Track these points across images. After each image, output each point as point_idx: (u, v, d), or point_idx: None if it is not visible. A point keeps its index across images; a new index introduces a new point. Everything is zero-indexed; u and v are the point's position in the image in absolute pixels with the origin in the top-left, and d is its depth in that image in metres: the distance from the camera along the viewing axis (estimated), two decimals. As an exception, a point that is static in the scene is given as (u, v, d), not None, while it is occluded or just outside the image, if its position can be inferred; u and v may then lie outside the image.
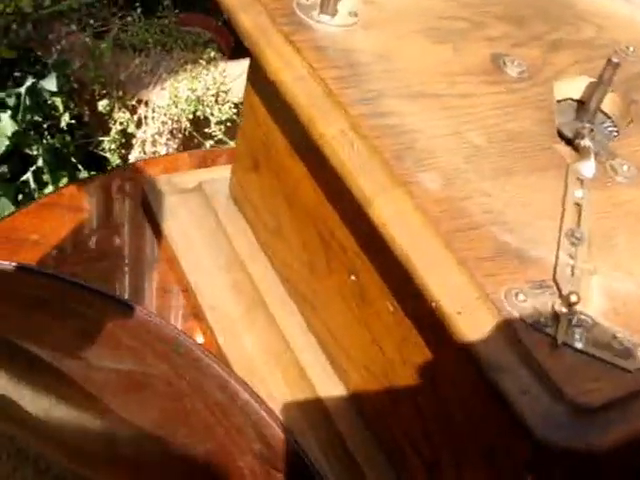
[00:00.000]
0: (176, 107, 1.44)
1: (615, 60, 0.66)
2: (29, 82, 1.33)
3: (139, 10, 1.53)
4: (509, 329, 0.50)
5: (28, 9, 1.42)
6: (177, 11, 1.58)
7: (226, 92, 1.47)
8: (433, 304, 0.52)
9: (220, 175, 0.91)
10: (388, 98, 0.64)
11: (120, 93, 1.45)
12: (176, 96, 1.44)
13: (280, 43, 0.67)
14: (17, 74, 1.39)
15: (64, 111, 1.40)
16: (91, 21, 1.51)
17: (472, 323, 0.51)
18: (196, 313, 0.82)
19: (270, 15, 0.69)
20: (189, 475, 0.64)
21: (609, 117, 0.71)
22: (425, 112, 0.63)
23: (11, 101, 1.32)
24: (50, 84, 1.36)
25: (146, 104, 1.48)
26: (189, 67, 1.47)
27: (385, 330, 0.65)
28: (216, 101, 1.46)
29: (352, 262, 0.68)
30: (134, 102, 1.47)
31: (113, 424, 0.64)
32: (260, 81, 0.77)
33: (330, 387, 0.74)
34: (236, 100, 1.47)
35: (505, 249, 0.54)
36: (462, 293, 0.52)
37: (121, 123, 1.48)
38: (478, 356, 0.49)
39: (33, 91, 1.34)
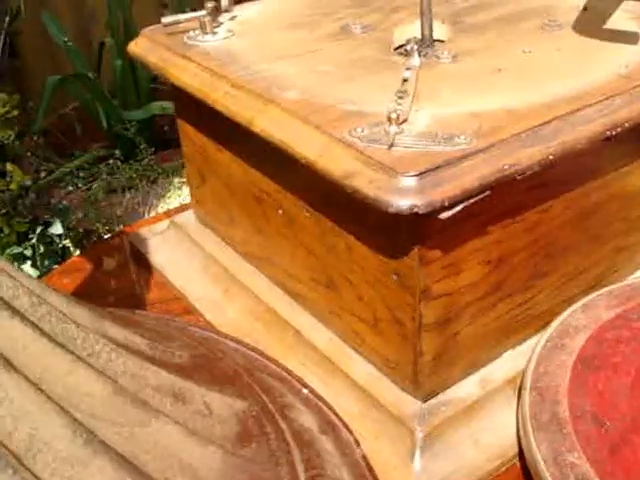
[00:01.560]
0: (171, 224, 1.69)
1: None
2: (38, 230, 1.60)
3: (120, 157, 1.82)
4: (353, 150, 0.71)
5: (28, 183, 1.71)
6: (154, 149, 1.87)
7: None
8: (303, 161, 0.74)
9: (186, 213, 1.15)
10: (258, 64, 0.88)
11: (121, 227, 1.71)
12: (167, 213, 1.69)
13: (178, 60, 0.92)
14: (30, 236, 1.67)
15: (74, 251, 1.66)
16: (83, 174, 1.80)
17: (328, 158, 0.72)
18: (187, 310, 1.03)
19: (167, 48, 0.95)
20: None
21: (442, 41, 0.95)
22: (286, 66, 0.87)
23: (28, 252, 1.58)
24: (56, 229, 1.63)
25: (145, 231, 1.73)
26: (173, 188, 1.74)
27: (310, 235, 0.86)
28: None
29: (276, 199, 0.90)
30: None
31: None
32: (182, 108, 1.02)
33: (295, 314, 0.94)
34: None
35: (349, 112, 0.76)
36: (318, 144, 0.73)
37: (127, 254, 1.72)
38: (335, 176, 0.71)
39: (44, 239, 1.61)
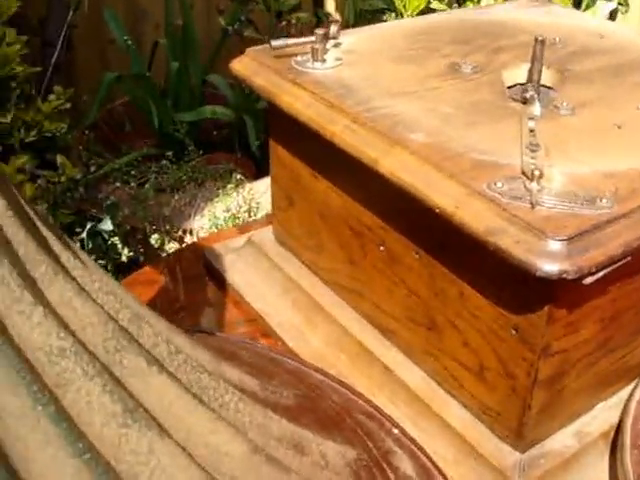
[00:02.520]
0: (216, 228, 1.62)
1: (540, 38, 0.83)
2: (88, 226, 1.53)
3: (170, 157, 1.75)
4: (494, 205, 0.64)
5: (78, 176, 1.63)
6: (201, 152, 1.80)
7: (257, 207, 1.66)
8: (437, 210, 0.67)
9: (264, 230, 1.07)
10: (375, 100, 0.81)
11: (167, 227, 1.64)
12: (215, 217, 1.62)
13: (289, 86, 0.85)
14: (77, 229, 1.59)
15: (122, 248, 1.59)
16: (132, 171, 1.73)
17: (467, 211, 0.65)
18: (265, 333, 0.96)
19: (276, 72, 0.88)
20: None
21: (550, 88, 0.88)
22: (405, 102, 0.80)
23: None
24: (106, 225, 1.56)
25: (190, 232, 1.66)
26: (220, 192, 1.67)
27: (416, 277, 0.79)
28: (249, 215, 1.64)
29: (378, 235, 0.83)
30: (180, 233, 1.65)
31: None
32: (279, 131, 0.95)
33: (384, 349, 0.87)
34: (265, 212, 1.65)
35: (482, 163, 0.70)
36: (454, 194, 0.67)
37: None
38: (475, 231, 0.64)
39: (93, 234, 1.53)
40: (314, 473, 0.62)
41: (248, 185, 1.69)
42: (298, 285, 0.98)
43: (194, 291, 1.04)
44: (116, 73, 1.82)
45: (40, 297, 0.45)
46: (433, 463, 0.78)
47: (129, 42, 1.80)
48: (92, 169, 1.72)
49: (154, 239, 1.63)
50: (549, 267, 0.60)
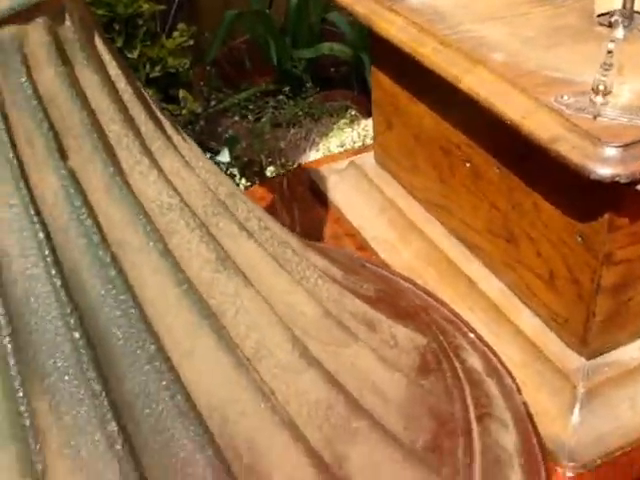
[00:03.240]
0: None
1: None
2: (207, 156, 1.71)
3: (287, 93, 1.92)
4: (559, 115, 0.77)
5: (198, 110, 1.83)
6: (318, 89, 1.96)
7: (371, 142, 1.80)
8: (508, 122, 0.81)
9: (365, 154, 1.23)
10: (464, 25, 0.94)
11: (282, 160, 1.81)
12: (329, 151, 1.78)
13: (385, 13, 1.00)
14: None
15: (240, 179, 1.78)
16: (251, 106, 1.91)
17: (533, 121, 0.78)
18: (361, 246, 1.12)
19: (375, 1, 1.03)
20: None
21: (644, 15, 0.98)
22: (492, 27, 0.93)
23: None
24: (224, 157, 1.75)
25: (305, 167, 1.83)
26: (335, 128, 1.83)
27: (497, 191, 0.93)
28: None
29: (465, 153, 0.97)
30: (295, 166, 1.82)
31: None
32: (380, 57, 1.10)
33: (468, 263, 1.01)
34: (381, 150, 1.79)
35: (554, 79, 0.82)
36: (524, 106, 0.80)
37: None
38: (540, 139, 0.77)
39: (212, 165, 1.72)
40: (382, 348, 0.78)
41: (363, 121, 1.84)
42: (394, 204, 1.13)
43: (300, 209, 1.21)
44: (237, 11, 1.99)
45: (155, 164, 0.62)
46: (502, 364, 0.92)
47: (249, -22, 1.97)
48: (212, 103, 1.91)
49: (269, 171, 1.81)
50: (602, 171, 0.73)
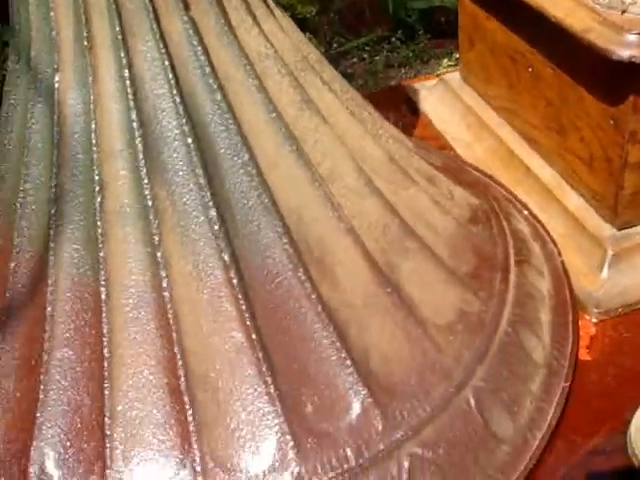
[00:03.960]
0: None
1: None
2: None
3: (401, 37, 2.02)
4: (593, 12, 0.85)
5: (322, 51, 1.94)
6: (430, 37, 2.04)
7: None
8: (553, 19, 0.88)
9: (452, 73, 1.32)
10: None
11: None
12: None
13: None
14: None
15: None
16: (367, 49, 2.02)
17: (573, 18, 0.86)
18: (443, 146, 1.21)
19: None
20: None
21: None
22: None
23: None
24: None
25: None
26: (441, 68, 1.91)
27: (551, 88, 1.01)
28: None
29: (527, 59, 1.04)
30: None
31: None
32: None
33: (528, 155, 1.09)
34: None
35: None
36: (567, 6, 0.87)
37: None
38: (576, 31, 0.85)
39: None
40: (438, 197, 0.88)
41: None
42: (472, 111, 1.21)
43: (395, 118, 1.31)
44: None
45: (257, 24, 0.74)
46: (548, 233, 1.00)
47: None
48: (334, 46, 2.03)
49: (380, 106, 1.91)
50: (622, 52, 0.80)
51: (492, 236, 0.89)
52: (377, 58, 1.97)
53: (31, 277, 0.73)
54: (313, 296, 0.70)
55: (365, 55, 1.98)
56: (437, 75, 1.42)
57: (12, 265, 0.74)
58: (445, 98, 1.27)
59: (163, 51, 0.67)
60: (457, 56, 1.92)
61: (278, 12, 0.79)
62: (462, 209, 0.89)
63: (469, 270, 0.83)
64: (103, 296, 0.69)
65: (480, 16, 1.15)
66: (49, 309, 0.71)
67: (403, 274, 0.77)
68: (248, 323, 0.69)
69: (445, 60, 1.89)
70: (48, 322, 0.71)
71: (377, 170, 0.80)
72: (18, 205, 0.73)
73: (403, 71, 1.95)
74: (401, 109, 1.32)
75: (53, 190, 0.70)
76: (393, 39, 1.99)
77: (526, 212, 1.03)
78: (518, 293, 0.85)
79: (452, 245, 0.83)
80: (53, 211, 0.70)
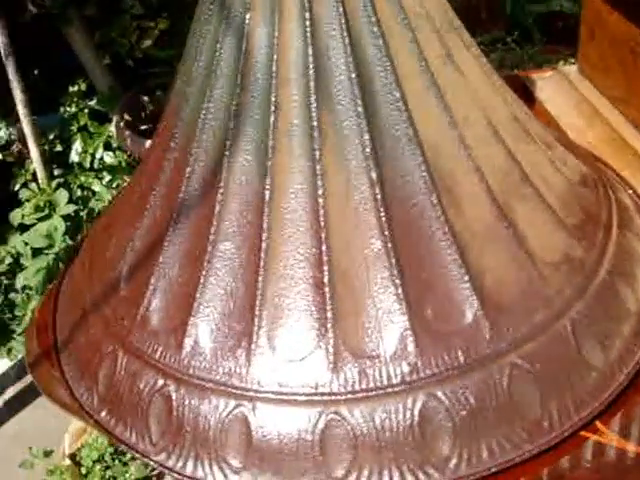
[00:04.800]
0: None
1: None
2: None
3: (516, 39, 2.22)
4: None
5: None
6: (545, 40, 2.24)
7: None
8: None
9: (569, 67, 1.52)
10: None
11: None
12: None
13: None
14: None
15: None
16: (483, 48, 2.23)
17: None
18: (557, 131, 1.41)
19: None
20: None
21: None
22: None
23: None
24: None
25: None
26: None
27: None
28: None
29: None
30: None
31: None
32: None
33: (636, 141, 1.28)
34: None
35: None
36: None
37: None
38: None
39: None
40: (553, 158, 1.07)
41: (578, 70, 2.11)
42: (586, 99, 1.41)
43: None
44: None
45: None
46: (650, 209, 1.18)
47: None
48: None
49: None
50: None
51: (598, 199, 1.08)
52: (492, 56, 2.18)
53: (203, 181, 0.95)
54: (442, 218, 0.90)
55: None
56: (553, 68, 1.62)
57: (187, 170, 0.96)
58: (561, 87, 1.47)
59: (343, 25, 0.88)
60: (572, 61, 2.13)
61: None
62: (573, 172, 1.09)
63: (576, 222, 1.02)
64: (267, 198, 0.90)
65: (603, 10, 1.35)
66: (217, 208, 0.93)
67: (518, 214, 0.97)
68: (386, 233, 0.89)
69: (560, 63, 2.09)
70: (216, 218, 0.92)
71: (503, 124, 1.00)
72: (199, 121, 0.95)
73: (515, 72, 2.15)
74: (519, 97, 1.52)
75: (234, 109, 0.91)
76: (509, 40, 2.19)
77: (630, 191, 1.22)
78: (617, 250, 1.04)
79: (562, 199, 1.02)
80: (231, 126, 0.92)
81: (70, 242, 1.92)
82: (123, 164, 2.24)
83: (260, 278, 0.90)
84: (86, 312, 1.03)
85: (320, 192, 0.89)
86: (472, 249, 0.91)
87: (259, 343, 0.89)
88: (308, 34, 0.88)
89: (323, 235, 0.89)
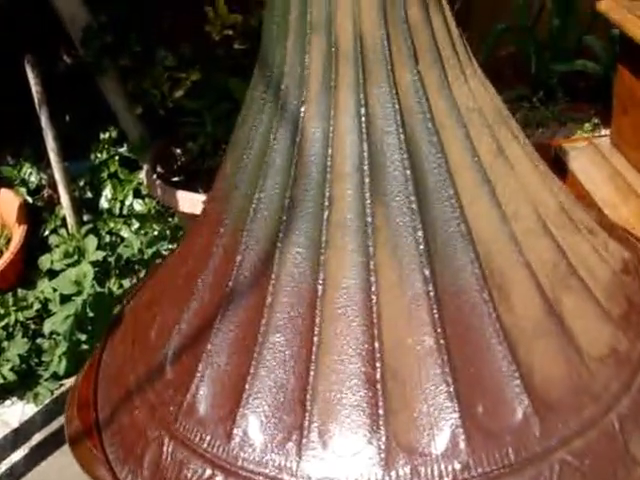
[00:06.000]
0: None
1: None
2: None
3: (541, 97, 2.20)
4: None
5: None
6: (568, 99, 2.21)
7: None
8: None
9: (601, 138, 1.50)
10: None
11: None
12: (569, 149, 2.04)
13: (635, 20, 1.27)
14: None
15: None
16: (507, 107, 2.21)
17: None
18: (589, 205, 1.39)
19: (628, 9, 1.30)
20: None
21: None
22: None
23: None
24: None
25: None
26: (578, 133, 2.08)
27: None
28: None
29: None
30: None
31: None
32: (624, 54, 1.37)
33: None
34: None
35: None
36: None
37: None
38: None
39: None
40: (596, 247, 1.05)
41: (603, 131, 2.08)
42: (620, 174, 1.39)
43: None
44: (505, 25, 2.29)
45: (466, 81, 0.93)
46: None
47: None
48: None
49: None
50: None
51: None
52: (516, 116, 2.16)
53: (254, 271, 0.93)
54: (493, 315, 0.88)
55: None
56: (586, 138, 1.60)
57: (238, 258, 0.94)
58: (594, 160, 1.45)
59: (394, 96, 0.87)
60: (596, 121, 2.10)
61: (479, 70, 0.98)
62: (615, 260, 1.06)
63: (620, 313, 1.00)
64: (319, 293, 0.88)
65: (636, 87, 1.33)
66: (269, 299, 0.91)
67: (566, 308, 0.94)
68: (439, 330, 0.87)
69: (585, 126, 2.06)
70: (267, 310, 0.91)
71: (550, 215, 0.98)
72: (251, 210, 0.93)
73: (540, 130, 2.13)
74: (551, 167, 1.50)
75: (287, 201, 0.90)
76: (534, 99, 2.17)
77: (668, 270, 1.19)
78: (663, 340, 1.02)
79: (607, 289, 1.00)
80: (284, 218, 0.90)
81: (98, 289, 1.90)
82: (152, 211, 2.23)
83: (311, 372, 0.87)
84: (130, 392, 1.01)
85: (373, 288, 0.87)
86: (522, 345, 0.89)
87: (310, 438, 0.86)
88: (363, 130, 0.87)
89: (376, 331, 0.87)
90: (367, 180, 0.87)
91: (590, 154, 1.44)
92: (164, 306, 1.05)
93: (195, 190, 2.07)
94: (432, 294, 0.87)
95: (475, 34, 2.43)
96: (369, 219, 0.87)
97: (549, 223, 0.97)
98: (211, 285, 0.97)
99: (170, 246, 2.16)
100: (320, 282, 0.88)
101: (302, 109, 0.89)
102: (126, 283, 2.08)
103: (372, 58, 0.87)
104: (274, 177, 0.91)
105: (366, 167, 0.87)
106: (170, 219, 2.28)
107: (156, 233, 2.20)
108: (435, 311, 0.87)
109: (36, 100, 2.05)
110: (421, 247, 0.87)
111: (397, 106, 0.87)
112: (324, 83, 0.88)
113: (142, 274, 2.11)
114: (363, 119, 0.87)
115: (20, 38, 2.28)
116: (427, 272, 0.87)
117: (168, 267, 1.17)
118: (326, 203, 0.88)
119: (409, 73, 0.88)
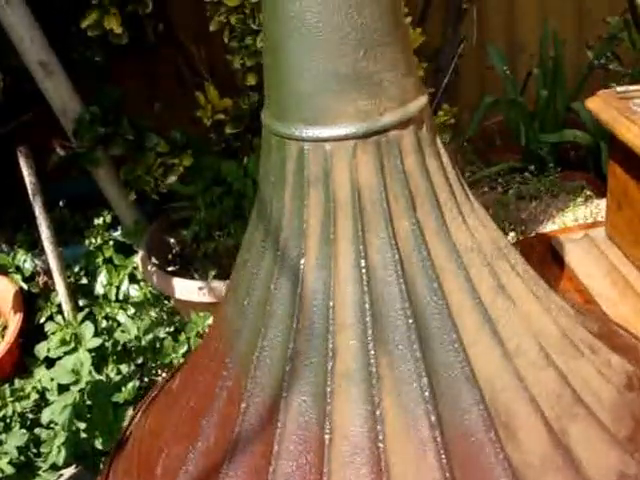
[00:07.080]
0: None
1: None
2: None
3: (532, 171, 2.22)
4: None
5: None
6: (559, 169, 2.23)
7: (601, 220, 2.06)
8: None
9: (598, 229, 1.51)
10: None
11: (522, 228, 2.10)
12: (564, 224, 2.05)
13: (625, 121, 1.29)
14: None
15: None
16: (499, 180, 2.23)
17: None
18: (588, 300, 1.40)
19: (618, 110, 1.32)
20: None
21: None
22: None
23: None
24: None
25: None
26: (572, 205, 2.10)
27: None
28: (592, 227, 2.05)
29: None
30: (532, 234, 2.10)
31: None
32: (616, 153, 1.39)
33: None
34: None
35: None
36: None
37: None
38: None
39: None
40: (600, 366, 1.06)
41: (596, 201, 2.10)
42: (617, 269, 1.40)
43: (539, 268, 1.51)
44: (493, 97, 2.32)
45: (464, 220, 0.94)
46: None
47: (507, 72, 2.29)
48: (466, 175, 2.24)
49: (510, 237, 2.10)
50: None
51: (646, 404, 1.07)
52: (509, 189, 2.18)
53: (260, 418, 0.94)
54: (501, 455, 0.89)
55: (497, 186, 2.19)
56: (581, 227, 1.61)
57: (243, 405, 0.94)
58: (590, 254, 1.46)
59: (394, 245, 0.88)
60: (588, 192, 2.12)
61: (476, 204, 1.00)
62: (619, 376, 1.07)
63: (627, 434, 1.01)
64: (327, 442, 0.89)
65: (631, 185, 1.35)
66: (276, 447, 0.91)
67: (572, 437, 0.95)
68: (447, 475, 0.87)
69: (578, 199, 2.08)
70: (274, 457, 0.91)
71: (552, 344, 0.99)
72: (254, 358, 0.94)
73: (534, 204, 2.15)
74: (546, 259, 1.51)
75: (290, 351, 0.91)
76: (526, 173, 2.19)
77: (671, 374, 1.20)
78: (670, 459, 1.02)
79: (613, 411, 1.01)
80: (288, 368, 0.91)
81: (96, 376, 1.91)
82: (148, 296, 2.24)
83: (322, 522, 0.87)
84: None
85: (380, 436, 0.88)
86: (531, 482, 0.89)
87: None
88: (364, 281, 0.88)
89: (384, 478, 0.87)
90: (370, 331, 0.88)
91: (586, 247, 1.45)
92: (169, 440, 1.06)
93: (190, 276, 2.08)
94: (439, 439, 0.88)
95: (464, 107, 2.46)
96: (373, 369, 0.88)
97: (551, 352, 0.98)
98: (216, 426, 0.98)
99: (168, 329, 2.16)
100: (327, 431, 0.89)
101: (302, 261, 0.90)
102: (124, 369, 2.08)
103: (370, 209, 0.88)
104: (276, 326, 0.92)
105: (368, 318, 0.88)
106: (166, 301, 2.28)
107: (153, 318, 2.20)
108: (443, 456, 0.88)
109: (30, 190, 2.06)
110: (426, 393, 0.88)
111: (397, 256, 0.88)
112: (323, 235, 0.89)
113: (139, 360, 2.12)
114: (363, 270, 0.88)
115: (13, 128, 2.30)
116: (433, 418, 0.88)
117: (172, 395, 1.18)
118: (330, 354, 0.89)
119: (407, 221, 0.89)
